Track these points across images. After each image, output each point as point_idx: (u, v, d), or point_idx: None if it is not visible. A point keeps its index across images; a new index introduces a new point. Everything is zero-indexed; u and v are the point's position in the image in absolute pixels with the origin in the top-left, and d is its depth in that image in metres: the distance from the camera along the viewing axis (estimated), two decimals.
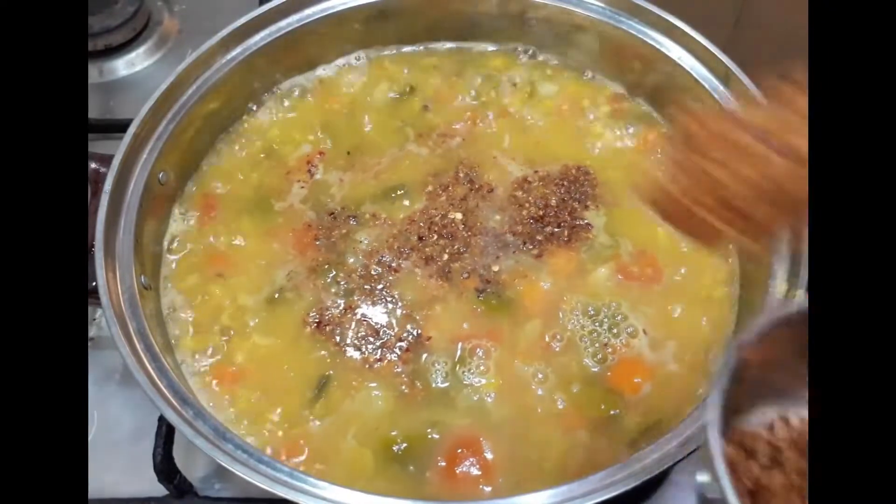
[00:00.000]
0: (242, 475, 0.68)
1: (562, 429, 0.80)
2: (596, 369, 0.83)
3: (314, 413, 0.81)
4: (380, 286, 0.88)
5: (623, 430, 0.80)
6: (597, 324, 0.86)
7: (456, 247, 0.90)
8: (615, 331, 0.85)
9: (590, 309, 0.86)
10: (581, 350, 0.84)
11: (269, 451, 0.78)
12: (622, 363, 0.83)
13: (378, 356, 0.84)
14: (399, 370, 0.83)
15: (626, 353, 0.84)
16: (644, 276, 0.89)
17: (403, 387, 0.82)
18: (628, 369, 0.83)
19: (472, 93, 1.05)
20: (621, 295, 0.88)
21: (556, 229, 0.92)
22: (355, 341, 0.85)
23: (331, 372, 0.83)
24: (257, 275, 0.90)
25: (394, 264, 0.89)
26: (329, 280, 0.89)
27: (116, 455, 0.91)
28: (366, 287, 0.88)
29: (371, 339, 0.85)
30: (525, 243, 0.91)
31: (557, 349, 0.84)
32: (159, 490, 0.85)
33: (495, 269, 0.89)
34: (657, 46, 0.96)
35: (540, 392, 0.82)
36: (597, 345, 0.84)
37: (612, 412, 0.80)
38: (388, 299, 0.87)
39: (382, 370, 0.83)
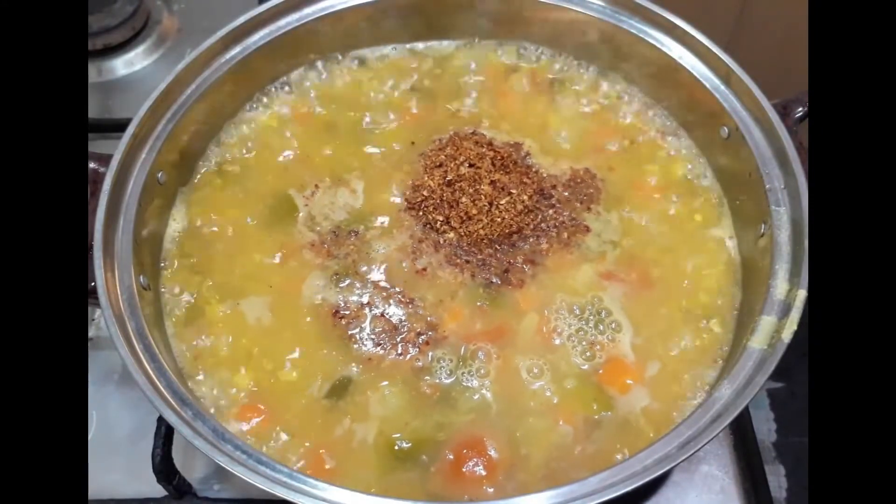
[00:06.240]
0: (241, 476, 0.67)
1: (559, 426, 0.80)
2: (585, 367, 0.83)
3: (330, 414, 0.81)
4: (397, 288, 0.88)
5: (619, 428, 0.80)
6: (583, 321, 0.86)
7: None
8: (601, 328, 0.85)
9: (575, 308, 0.86)
10: (569, 348, 0.84)
11: (292, 458, 0.78)
12: (611, 361, 0.83)
13: (399, 351, 0.83)
14: (420, 364, 0.83)
15: (613, 351, 0.84)
16: (630, 281, 0.89)
17: (426, 388, 0.81)
18: (618, 369, 0.83)
19: (474, 92, 1.05)
20: (612, 296, 0.87)
21: (555, 228, 0.92)
22: (373, 337, 0.85)
23: (355, 370, 0.83)
24: (258, 275, 0.89)
25: (414, 265, 0.89)
26: (345, 285, 0.88)
27: (115, 455, 0.91)
28: (382, 293, 0.88)
29: (390, 335, 0.84)
30: (527, 238, 0.91)
31: (558, 343, 0.84)
32: (158, 491, 0.85)
33: (493, 259, 0.89)
34: (658, 45, 0.96)
35: (535, 387, 0.82)
36: (584, 343, 0.84)
37: (603, 413, 0.81)
38: (407, 300, 0.87)
39: (403, 365, 0.83)
